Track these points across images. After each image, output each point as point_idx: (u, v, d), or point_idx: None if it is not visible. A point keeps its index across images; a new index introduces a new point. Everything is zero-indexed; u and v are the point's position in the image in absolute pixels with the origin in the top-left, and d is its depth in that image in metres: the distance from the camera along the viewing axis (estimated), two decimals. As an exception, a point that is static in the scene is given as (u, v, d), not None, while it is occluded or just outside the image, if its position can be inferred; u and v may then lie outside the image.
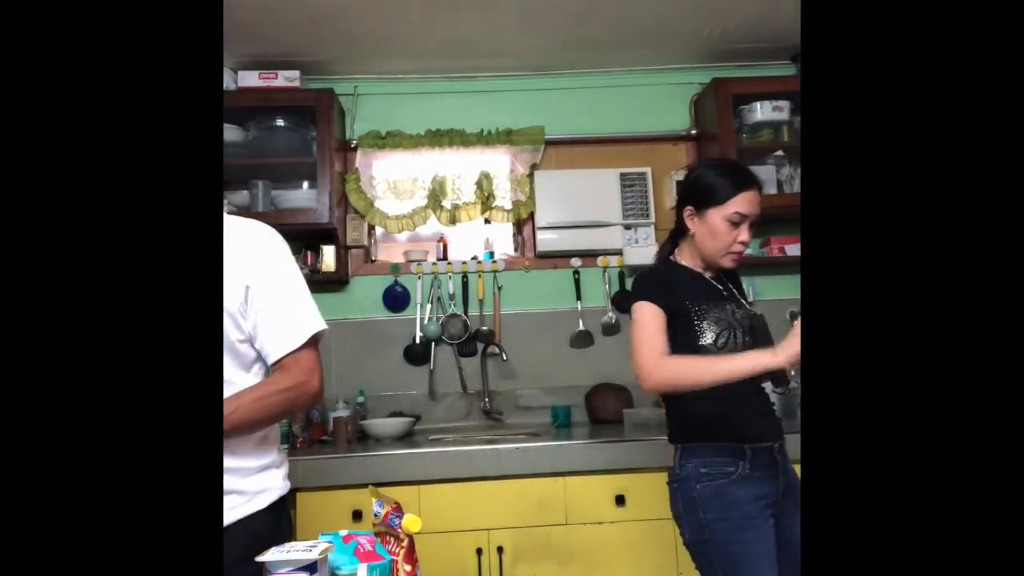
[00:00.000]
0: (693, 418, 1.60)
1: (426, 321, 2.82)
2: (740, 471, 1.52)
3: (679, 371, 1.49)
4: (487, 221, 2.92)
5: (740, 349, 1.56)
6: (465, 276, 2.86)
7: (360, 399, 2.69)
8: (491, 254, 2.92)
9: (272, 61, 2.70)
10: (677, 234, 1.70)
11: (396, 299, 2.83)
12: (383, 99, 2.92)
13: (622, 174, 2.84)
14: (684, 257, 1.69)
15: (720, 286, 1.67)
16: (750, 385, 1.54)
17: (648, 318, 1.55)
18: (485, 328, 2.83)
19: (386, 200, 2.86)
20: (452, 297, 2.84)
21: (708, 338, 1.58)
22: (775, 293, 2.91)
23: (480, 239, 2.97)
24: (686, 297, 1.60)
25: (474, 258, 2.89)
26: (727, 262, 1.63)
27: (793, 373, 1.50)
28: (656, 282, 1.63)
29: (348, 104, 2.89)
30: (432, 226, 2.88)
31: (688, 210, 1.64)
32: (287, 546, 1.00)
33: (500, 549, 2.11)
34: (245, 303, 1.29)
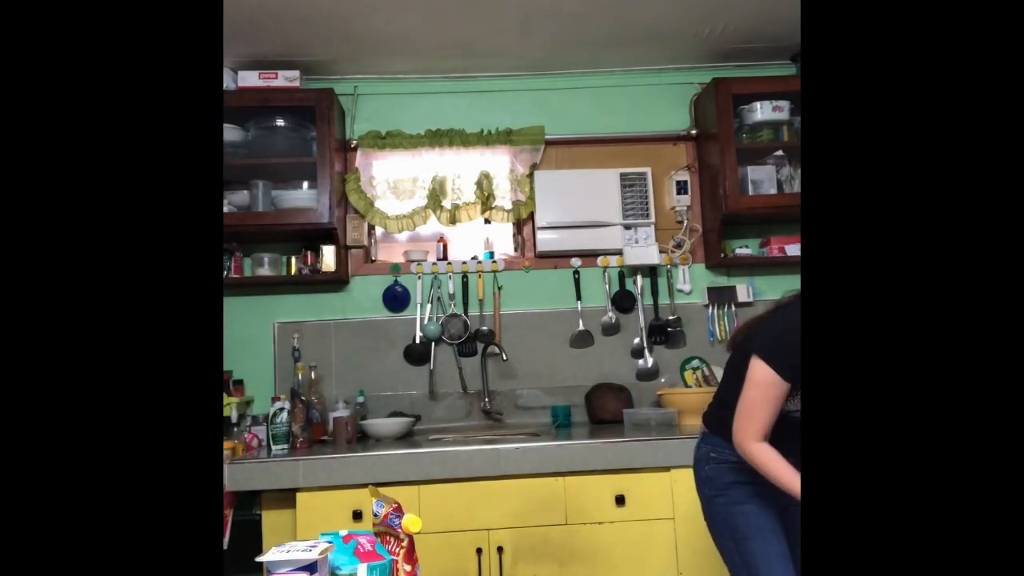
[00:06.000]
0: (727, 423, 1.61)
1: (426, 321, 2.82)
2: (745, 464, 1.58)
3: (764, 463, 1.50)
4: (487, 221, 2.92)
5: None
6: (465, 276, 2.86)
7: (360, 399, 2.69)
8: (491, 254, 2.92)
9: (272, 61, 2.70)
10: None
11: (396, 299, 2.83)
12: (383, 99, 2.92)
13: (622, 174, 2.85)
14: None
15: None
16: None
17: (769, 388, 1.50)
18: (485, 328, 2.83)
19: (386, 200, 2.86)
20: (452, 297, 2.84)
21: (791, 407, 1.56)
22: (775, 293, 2.90)
23: (480, 239, 2.97)
24: None
25: (474, 258, 2.89)
26: None
27: None
28: (795, 349, 1.47)
29: (348, 104, 2.89)
30: (432, 226, 2.88)
31: None
32: (287, 546, 1.01)
33: (500, 549, 2.11)
34: None
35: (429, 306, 2.84)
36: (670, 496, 2.14)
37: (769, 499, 1.61)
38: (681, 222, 2.93)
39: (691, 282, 2.91)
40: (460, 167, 2.87)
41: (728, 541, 1.61)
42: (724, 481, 1.64)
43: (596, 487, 2.15)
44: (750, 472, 1.58)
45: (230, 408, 2.53)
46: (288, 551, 0.98)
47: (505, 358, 2.72)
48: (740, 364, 1.59)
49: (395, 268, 2.85)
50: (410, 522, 1.11)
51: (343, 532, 1.11)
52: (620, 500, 2.14)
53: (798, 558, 1.59)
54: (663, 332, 2.87)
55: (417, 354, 2.80)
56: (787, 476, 1.46)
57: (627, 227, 2.83)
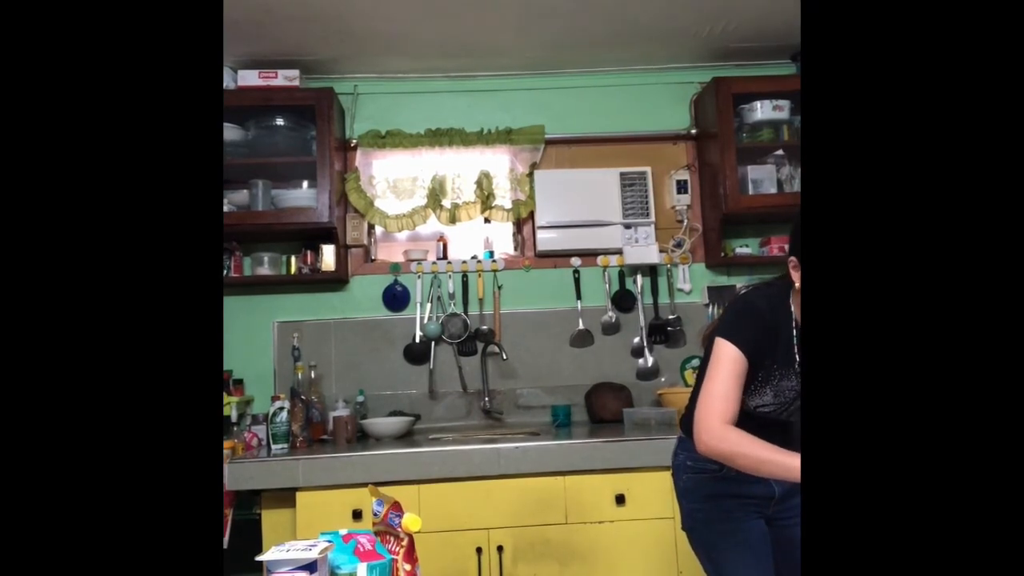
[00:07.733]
0: None
1: (426, 320, 2.82)
2: (725, 472, 1.49)
3: (738, 450, 1.31)
4: (487, 220, 2.92)
5: (779, 419, 1.50)
6: (465, 275, 2.86)
7: (360, 398, 2.69)
8: (491, 253, 2.92)
9: (272, 60, 2.70)
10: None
11: (396, 298, 2.83)
12: (383, 98, 2.92)
13: (622, 174, 2.85)
14: (795, 307, 1.45)
15: (799, 356, 1.46)
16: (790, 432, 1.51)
17: (731, 364, 1.38)
18: (485, 327, 2.83)
19: (386, 199, 2.86)
20: (452, 296, 2.84)
21: (756, 402, 1.47)
22: (775, 292, 2.91)
23: (480, 238, 2.97)
24: (776, 357, 1.44)
25: (474, 257, 2.89)
26: None
27: None
28: (759, 325, 1.42)
29: (348, 103, 2.89)
30: (432, 225, 2.89)
31: (793, 261, 1.40)
32: (287, 545, 1.01)
33: (500, 548, 2.11)
34: None
35: (429, 305, 2.84)
36: (670, 495, 2.12)
37: (750, 512, 1.53)
38: (681, 221, 2.93)
39: (691, 281, 2.91)
40: (460, 166, 2.87)
41: (704, 557, 1.56)
42: (702, 494, 1.55)
43: (596, 486, 2.15)
44: (731, 482, 1.50)
45: (230, 407, 2.53)
46: (288, 550, 0.98)
47: (505, 357, 2.72)
48: (709, 356, 1.46)
49: (395, 267, 2.85)
50: (410, 521, 1.11)
51: (343, 531, 1.11)
52: (620, 499, 2.14)
53: (798, 565, 1.52)
54: (663, 331, 2.87)
55: (417, 353, 2.80)
56: (770, 453, 1.27)
57: (627, 226, 2.83)
